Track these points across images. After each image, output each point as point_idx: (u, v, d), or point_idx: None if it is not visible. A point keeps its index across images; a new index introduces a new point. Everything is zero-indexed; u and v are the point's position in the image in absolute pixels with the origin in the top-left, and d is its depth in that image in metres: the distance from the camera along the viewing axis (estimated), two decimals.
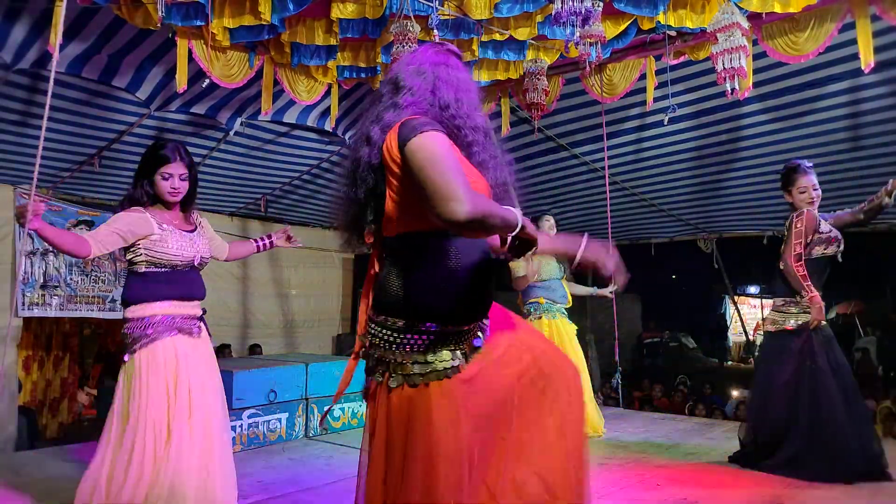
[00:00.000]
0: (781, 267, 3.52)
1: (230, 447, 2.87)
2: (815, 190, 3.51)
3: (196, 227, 2.87)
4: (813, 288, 3.42)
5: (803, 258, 3.45)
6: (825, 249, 3.47)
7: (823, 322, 3.46)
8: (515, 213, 1.47)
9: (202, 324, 2.84)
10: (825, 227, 3.49)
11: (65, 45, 3.74)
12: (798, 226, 3.47)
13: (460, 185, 1.39)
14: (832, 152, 5.16)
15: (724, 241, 7.36)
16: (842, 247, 3.50)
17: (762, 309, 16.14)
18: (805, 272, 3.44)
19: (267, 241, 3.19)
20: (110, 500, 2.54)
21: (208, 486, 2.61)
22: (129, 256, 2.73)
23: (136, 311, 2.68)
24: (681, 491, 3.23)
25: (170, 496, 2.51)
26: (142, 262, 2.69)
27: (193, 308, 2.80)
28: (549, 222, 4.71)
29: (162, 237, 2.68)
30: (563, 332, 4.60)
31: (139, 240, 2.66)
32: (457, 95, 1.62)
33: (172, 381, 2.62)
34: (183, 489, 2.53)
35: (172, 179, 2.70)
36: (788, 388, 3.43)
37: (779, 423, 3.45)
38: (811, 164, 3.58)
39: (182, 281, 2.76)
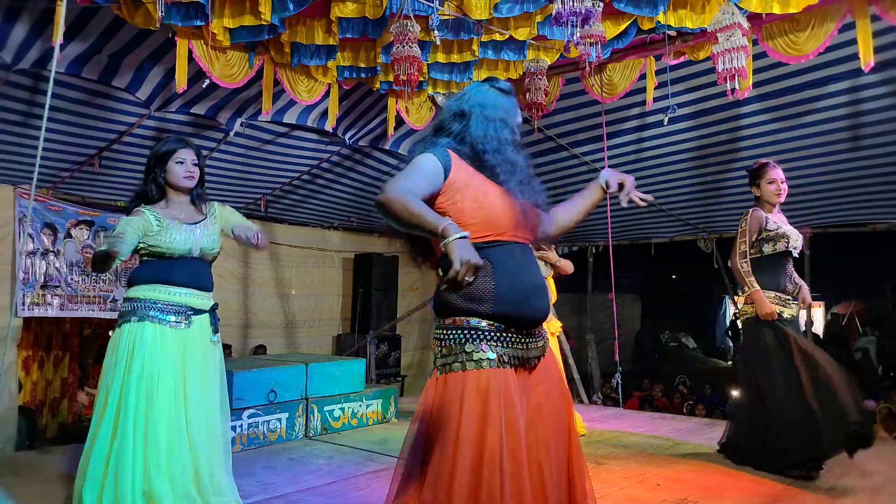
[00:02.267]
0: (728, 265, 3.62)
1: (215, 442, 2.83)
2: (783, 183, 3.62)
3: (206, 217, 2.89)
4: (755, 284, 3.51)
5: (748, 256, 3.55)
6: (775, 246, 3.54)
7: (775, 315, 3.48)
8: (441, 224, 1.54)
9: (196, 316, 2.79)
10: (773, 224, 3.57)
11: (65, 45, 3.74)
12: (743, 225, 3.60)
13: (396, 181, 1.66)
14: (832, 152, 5.16)
15: (724, 241, 7.35)
16: (794, 243, 3.58)
17: None
18: (748, 269, 3.54)
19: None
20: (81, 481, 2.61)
21: (157, 482, 2.59)
22: (136, 250, 2.82)
23: (129, 291, 2.78)
24: (681, 491, 3.23)
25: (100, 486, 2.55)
26: (144, 255, 2.80)
27: (187, 297, 2.77)
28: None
29: (159, 231, 2.74)
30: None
31: (143, 238, 2.75)
32: (486, 133, 1.82)
33: (129, 367, 2.62)
34: (124, 482, 2.54)
35: (186, 164, 2.80)
36: (753, 379, 3.50)
37: (744, 414, 3.58)
38: (780, 167, 3.69)
39: (178, 268, 2.77)
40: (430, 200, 1.73)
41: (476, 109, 1.84)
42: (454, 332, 1.75)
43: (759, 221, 3.58)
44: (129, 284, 2.80)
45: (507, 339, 1.74)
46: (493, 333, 1.73)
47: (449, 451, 1.64)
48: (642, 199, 1.99)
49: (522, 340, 1.77)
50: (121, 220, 2.75)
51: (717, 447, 3.90)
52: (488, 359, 1.70)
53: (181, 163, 2.79)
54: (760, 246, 3.57)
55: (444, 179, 1.74)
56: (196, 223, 2.84)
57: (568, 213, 2.05)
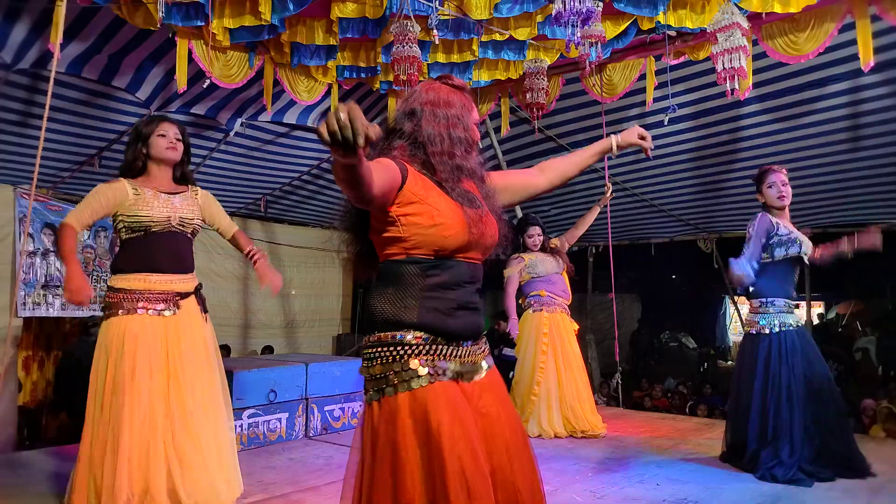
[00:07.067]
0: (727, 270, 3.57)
1: (219, 432, 2.85)
2: (783, 186, 3.56)
3: (187, 191, 2.90)
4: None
5: (760, 260, 3.54)
6: (788, 250, 3.50)
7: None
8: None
9: (183, 300, 2.80)
10: (783, 229, 3.53)
11: (65, 45, 3.74)
12: (750, 230, 3.56)
13: None
14: (832, 152, 5.16)
15: (724, 241, 7.36)
16: (806, 248, 3.54)
17: None
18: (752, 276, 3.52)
19: (256, 256, 3.13)
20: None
21: (169, 477, 2.63)
22: (114, 225, 2.82)
23: (112, 280, 2.75)
24: (681, 491, 3.23)
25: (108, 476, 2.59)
26: (122, 228, 2.77)
27: (173, 283, 2.78)
28: (535, 232, 4.73)
29: (135, 201, 2.74)
30: (562, 328, 4.60)
31: (118, 209, 2.74)
32: (439, 133, 1.72)
33: (119, 363, 2.62)
34: (137, 475, 2.58)
35: (168, 136, 2.81)
36: (756, 390, 3.47)
37: (749, 424, 3.50)
38: (784, 171, 3.64)
39: (160, 251, 2.76)
40: (383, 207, 1.61)
41: (427, 108, 1.74)
42: (380, 349, 1.60)
43: (767, 226, 3.52)
44: (113, 271, 2.78)
45: (439, 351, 1.60)
46: (421, 347, 1.59)
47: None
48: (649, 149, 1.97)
49: (455, 352, 1.63)
50: (95, 189, 2.76)
51: (718, 449, 3.90)
52: (418, 376, 1.56)
53: (163, 135, 2.81)
54: (773, 250, 3.52)
55: (401, 186, 1.62)
56: (175, 193, 2.85)
57: (566, 165, 1.98)
